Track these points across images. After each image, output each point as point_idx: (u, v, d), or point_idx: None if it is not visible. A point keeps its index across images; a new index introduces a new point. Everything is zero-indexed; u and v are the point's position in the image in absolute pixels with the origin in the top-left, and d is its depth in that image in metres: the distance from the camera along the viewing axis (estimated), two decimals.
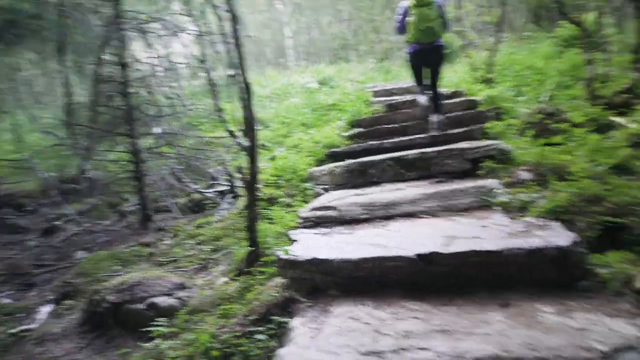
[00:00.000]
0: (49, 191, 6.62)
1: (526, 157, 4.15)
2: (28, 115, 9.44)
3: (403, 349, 1.97)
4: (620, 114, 5.63)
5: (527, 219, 3.10)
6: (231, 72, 6.31)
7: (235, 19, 3.68)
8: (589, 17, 8.16)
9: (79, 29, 7.06)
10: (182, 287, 3.52)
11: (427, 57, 5.48)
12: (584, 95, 6.13)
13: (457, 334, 2.07)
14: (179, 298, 3.37)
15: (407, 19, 5.37)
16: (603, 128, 5.17)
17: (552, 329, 2.01)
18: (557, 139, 4.52)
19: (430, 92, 5.60)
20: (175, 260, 4.36)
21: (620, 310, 2.16)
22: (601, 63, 7.03)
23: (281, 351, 2.15)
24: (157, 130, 6.07)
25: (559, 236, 2.57)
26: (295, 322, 2.40)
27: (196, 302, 3.25)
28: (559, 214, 3.05)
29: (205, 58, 7.00)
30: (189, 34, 6.98)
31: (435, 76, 5.58)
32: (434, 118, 5.47)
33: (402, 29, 5.52)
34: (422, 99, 5.64)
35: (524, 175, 3.90)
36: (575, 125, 4.94)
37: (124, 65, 5.76)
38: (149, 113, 5.84)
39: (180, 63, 7.99)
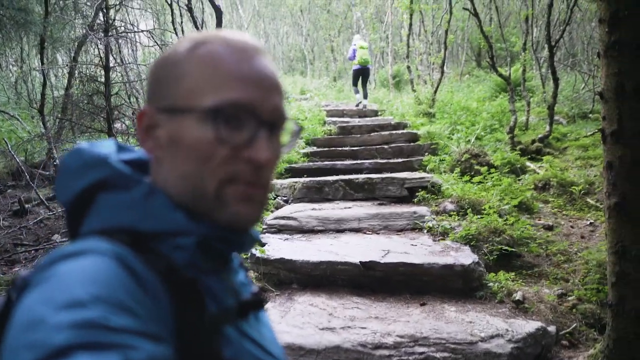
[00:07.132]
0: (17, 174, 6.96)
1: (452, 191, 5.10)
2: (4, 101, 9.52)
3: (349, 327, 2.79)
4: (533, 160, 6.77)
5: (446, 242, 4.02)
6: None
7: (219, 13, 4.14)
8: (516, 70, 9.41)
9: (60, 26, 7.45)
10: None
11: (364, 72, 10.73)
12: (506, 139, 7.23)
13: (387, 320, 2.91)
14: None
15: (356, 53, 10.47)
16: (517, 171, 6.26)
17: (452, 321, 2.89)
18: (478, 177, 5.51)
19: (362, 90, 10.79)
20: None
21: (500, 312, 3.08)
22: (522, 112, 8.24)
23: None
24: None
25: (466, 257, 3.48)
26: (268, 306, 3.16)
27: None
28: (470, 240, 4.00)
29: None
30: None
31: (365, 81, 10.87)
32: (364, 101, 10.72)
33: (353, 57, 10.66)
34: (359, 98, 10.84)
35: (449, 206, 4.84)
36: (495, 167, 5.98)
37: (106, 68, 6.28)
38: (127, 114, 6.37)
39: None
